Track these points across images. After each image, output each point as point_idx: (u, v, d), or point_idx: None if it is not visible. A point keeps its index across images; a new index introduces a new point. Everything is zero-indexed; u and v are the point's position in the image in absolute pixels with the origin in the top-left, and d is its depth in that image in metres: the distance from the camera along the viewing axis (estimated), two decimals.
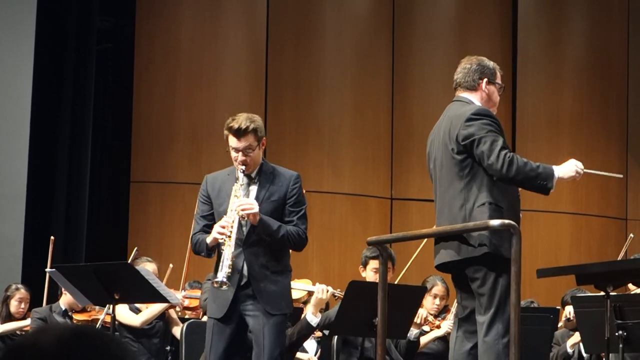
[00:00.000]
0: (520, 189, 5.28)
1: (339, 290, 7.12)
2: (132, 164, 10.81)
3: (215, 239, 5.54)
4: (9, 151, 9.83)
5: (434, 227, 5.39)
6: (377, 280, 6.82)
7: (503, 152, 5.01)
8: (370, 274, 7.13)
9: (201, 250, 5.68)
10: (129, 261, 7.85)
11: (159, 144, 10.84)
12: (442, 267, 5.31)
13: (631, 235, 10.30)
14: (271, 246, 5.62)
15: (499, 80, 5.39)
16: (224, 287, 5.50)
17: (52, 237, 9.04)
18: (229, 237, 5.50)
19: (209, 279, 7.28)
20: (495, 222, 4.78)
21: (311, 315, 6.81)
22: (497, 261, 5.02)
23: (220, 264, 5.50)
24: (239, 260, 5.59)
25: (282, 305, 5.62)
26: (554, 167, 5.17)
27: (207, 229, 5.66)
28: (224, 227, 5.50)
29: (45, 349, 1.89)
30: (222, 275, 5.47)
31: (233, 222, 5.51)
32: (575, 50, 12.17)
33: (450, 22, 11.87)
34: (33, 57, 9.89)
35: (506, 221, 4.72)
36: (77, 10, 10.39)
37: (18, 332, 8.37)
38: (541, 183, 5.08)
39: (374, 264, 7.12)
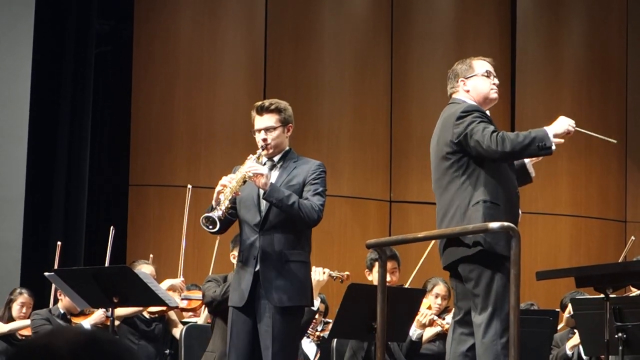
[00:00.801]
0: (519, 189, 5.30)
1: (336, 271, 7.07)
2: (130, 167, 10.81)
3: (217, 192, 5.40)
4: (8, 154, 9.82)
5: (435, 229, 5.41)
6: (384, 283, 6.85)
7: (494, 134, 5.05)
8: (376, 276, 7.10)
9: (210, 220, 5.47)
10: (126, 264, 7.85)
11: (157, 147, 10.83)
12: (447, 269, 5.34)
13: (632, 237, 10.28)
14: (288, 234, 5.49)
15: (478, 70, 5.38)
16: (210, 226, 5.35)
17: (59, 243, 9.04)
18: (230, 189, 5.36)
19: (209, 280, 7.27)
20: (494, 225, 4.77)
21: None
22: (492, 259, 5.03)
23: (215, 204, 5.37)
24: (254, 246, 5.49)
25: (293, 297, 5.45)
26: (546, 127, 5.17)
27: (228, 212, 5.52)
28: (226, 181, 5.39)
29: (57, 352, 1.85)
30: (213, 211, 5.34)
31: (237, 177, 5.39)
32: (574, 52, 12.17)
33: (449, 24, 11.87)
34: (31, 60, 9.89)
35: (505, 224, 4.71)
36: (75, 13, 10.39)
37: (18, 334, 8.38)
38: (540, 145, 5.11)
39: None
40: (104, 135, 11.01)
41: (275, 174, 5.61)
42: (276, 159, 5.64)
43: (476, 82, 5.37)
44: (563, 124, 5.26)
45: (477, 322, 5.10)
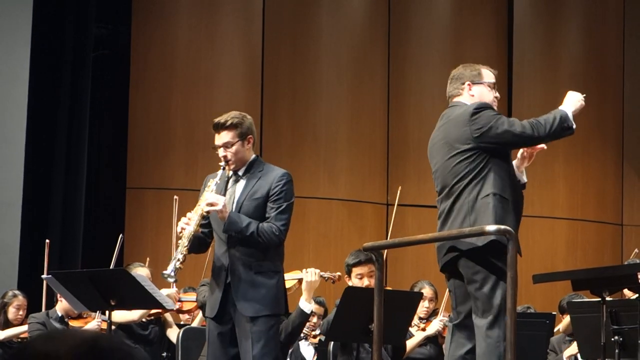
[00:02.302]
0: (522, 191, 5.33)
1: (328, 272, 7.07)
2: (128, 171, 10.81)
3: (178, 231, 5.55)
4: (5, 157, 9.83)
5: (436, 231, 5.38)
6: (364, 286, 6.85)
7: (525, 121, 5.17)
8: (355, 281, 7.08)
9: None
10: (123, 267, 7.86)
11: (155, 150, 10.84)
12: (446, 267, 5.29)
13: (636, 250, 10.19)
14: (256, 246, 5.56)
15: (487, 80, 5.40)
16: (170, 279, 5.50)
17: (47, 240, 9.02)
18: (188, 232, 5.48)
19: (203, 284, 7.29)
20: (491, 228, 4.81)
21: (304, 302, 6.77)
22: (498, 262, 5.01)
23: (174, 256, 5.50)
24: (224, 258, 5.57)
25: (265, 307, 5.52)
26: (562, 108, 5.27)
27: (202, 228, 5.66)
28: (188, 219, 5.51)
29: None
30: (170, 268, 5.46)
31: (196, 214, 5.50)
32: (571, 55, 12.18)
33: (446, 28, 11.88)
34: (29, 63, 9.89)
35: (502, 227, 4.75)
36: (73, 17, 10.40)
37: (15, 340, 8.37)
38: (565, 125, 5.21)
39: (357, 270, 7.08)
40: (101, 139, 11.01)
41: (239, 186, 5.66)
42: (241, 171, 5.68)
43: (482, 91, 5.38)
44: (575, 100, 5.32)
45: (479, 324, 5.08)
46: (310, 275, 6.66)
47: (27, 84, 9.88)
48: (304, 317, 6.79)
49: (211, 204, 5.49)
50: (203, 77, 11.01)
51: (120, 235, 8.78)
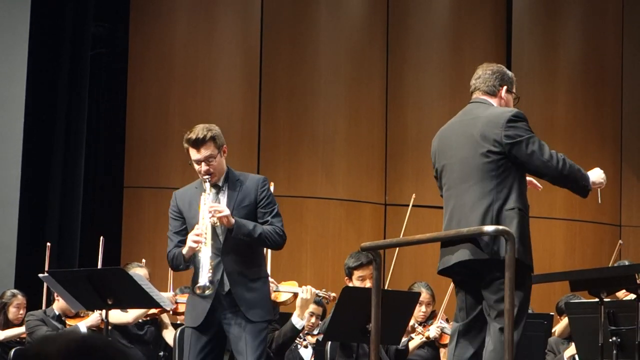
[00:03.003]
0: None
1: (323, 290, 7.08)
2: (125, 170, 10.80)
3: (192, 248, 5.54)
4: (3, 157, 9.82)
5: (444, 228, 5.26)
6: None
7: (554, 151, 5.08)
8: (356, 283, 7.08)
9: (179, 263, 5.68)
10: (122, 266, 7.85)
11: (152, 149, 10.83)
12: (451, 269, 5.16)
13: (620, 241, 10.23)
14: (247, 254, 5.63)
15: (514, 90, 5.36)
16: (207, 291, 5.51)
17: (48, 244, 9.03)
18: (205, 243, 5.50)
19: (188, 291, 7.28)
20: (489, 228, 4.79)
21: (296, 318, 6.78)
22: (521, 268, 4.97)
23: (200, 269, 5.50)
24: (218, 269, 5.60)
25: (261, 312, 5.62)
26: (588, 172, 5.26)
27: (181, 244, 5.67)
28: (198, 235, 5.52)
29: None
30: (204, 279, 5.47)
31: (206, 228, 5.52)
32: (570, 57, 12.18)
33: (445, 28, 11.88)
34: (27, 62, 9.89)
35: (500, 227, 4.75)
36: (71, 16, 10.39)
37: (15, 339, 8.37)
38: (584, 184, 5.21)
39: (358, 273, 7.08)
40: (99, 137, 11.00)
41: (223, 198, 5.69)
42: (220, 182, 5.70)
43: (509, 100, 5.33)
44: (599, 175, 5.33)
45: (496, 325, 5.01)
46: (306, 293, 6.71)
47: (24, 82, 9.88)
48: (295, 332, 6.86)
49: (218, 211, 5.51)
50: (201, 76, 11.00)
51: (102, 238, 8.75)
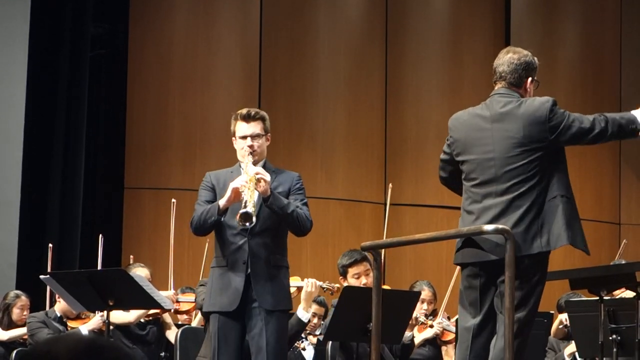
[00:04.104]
0: None
1: (327, 282, 7.08)
2: (125, 170, 10.81)
3: (236, 190, 5.43)
4: (3, 158, 9.83)
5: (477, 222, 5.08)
6: (362, 285, 6.85)
7: (591, 116, 5.04)
8: (352, 281, 7.09)
9: (210, 215, 5.55)
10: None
11: (152, 150, 10.84)
12: (477, 265, 5.09)
13: (625, 241, 10.25)
14: (274, 239, 5.59)
15: (536, 77, 5.30)
16: (247, 223, 5.36)
17: (50, 245, 9.04)
18: (249, 188, 5.41)
19: (202, 284, 7.27)
20: (489, 227, 4.78)
21: (302, 311, 6.79)
22: (546, 262, 5.01)
23: (244, 202, 5.37)
24: (242, 250, 5.55)
25: (281, 301, 5.56)
26: (633, 112, 5.11)
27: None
28: (244, 180, 5.44)
29: (57, 359, 1.87)
30: (248, 207, 5.35)
31: (249, 180, 5.43)
32: (568, 55, 12.19)
33: (444, 26, 11.89)
34: (27, 63, 9.89)
35: (499, 226, 4.74)
36: (71, 16, 10.40)
37: (19, 340, 8.39)
38: (632, 128, 5.08)
39: (353, 270, 7.09)
40: (99, 138, 11.01)
41: None
42: (259, 166, 5.67)
43: (532, 89, 5.23)
44: None
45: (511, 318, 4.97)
46: (310, 286, 6.71)
47: (24, 83, 9.88)
48: (302, 325, 6.85)
49: (260, 173, 5.49)
50: (200, 76, 11.01)
51: (101, 237, 8.76)
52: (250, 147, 5.62)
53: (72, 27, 10.41)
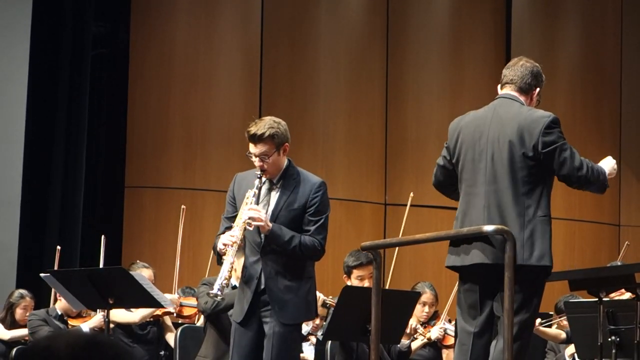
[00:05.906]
0: None
1: (330, 297, 7.10)
2: (126, 170, 10.82)
3: (220, 249, 5.46)
4: (4, 157, 9.84)
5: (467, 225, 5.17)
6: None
7: (583, 159, 5.08)
8: (355, 282, 7.09)
9: (216, 254, 5.60)
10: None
11: (153, 149, 10.84)
12: (471, 268, 5.13)
13: (627, 243, 10.26)
14: (292, 257, 5.55)
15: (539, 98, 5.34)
16: (217, 298, 5.57)
17: (58, 247, 9.05)
18: (230, 253, 5.41)
19: (204, 283, 7.29)
20: (489, 228, 4.80)
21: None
22: (544, 275, 5.04)
23: (219, 275, 5.44)
24: (257, 266, 5.53)
25: (296, 314, 5.53)
26: (601, 166, 5.20)
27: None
28: (232, 237, 5.42)
29: (57, 354, 1.90)
30: (216, 287, 5.41)
31: (241, 233, 5.42)
32: (569, 57, 12.20)
33: (444, 28, 11.90)
34: (28, 62, 9.90)
35: (499, 227, 4.76)
36: (72, 16, 10.41)
37: (21, 340, 8.40)
38: (604, 184, 5.17)
39: (357, 272, 7.09)
40: (100, 137, 11.02)
41: (274, 195, 5.60)
42: (275, 179, 5.61)
43: (535, 101, 5.28)
44: (611, 166, 5.25)
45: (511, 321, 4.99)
46: None
47: (26, 82, 9.89)
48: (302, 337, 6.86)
49: (254, 219, 5.42)
50: (201, 76, 11.02)
51: (103, 237, 8.77)
52: (260, 167, 5.53)
53: (73, 27, 10.42)
